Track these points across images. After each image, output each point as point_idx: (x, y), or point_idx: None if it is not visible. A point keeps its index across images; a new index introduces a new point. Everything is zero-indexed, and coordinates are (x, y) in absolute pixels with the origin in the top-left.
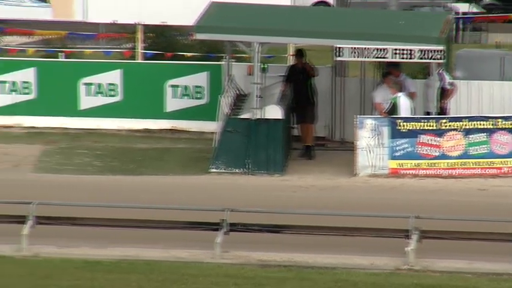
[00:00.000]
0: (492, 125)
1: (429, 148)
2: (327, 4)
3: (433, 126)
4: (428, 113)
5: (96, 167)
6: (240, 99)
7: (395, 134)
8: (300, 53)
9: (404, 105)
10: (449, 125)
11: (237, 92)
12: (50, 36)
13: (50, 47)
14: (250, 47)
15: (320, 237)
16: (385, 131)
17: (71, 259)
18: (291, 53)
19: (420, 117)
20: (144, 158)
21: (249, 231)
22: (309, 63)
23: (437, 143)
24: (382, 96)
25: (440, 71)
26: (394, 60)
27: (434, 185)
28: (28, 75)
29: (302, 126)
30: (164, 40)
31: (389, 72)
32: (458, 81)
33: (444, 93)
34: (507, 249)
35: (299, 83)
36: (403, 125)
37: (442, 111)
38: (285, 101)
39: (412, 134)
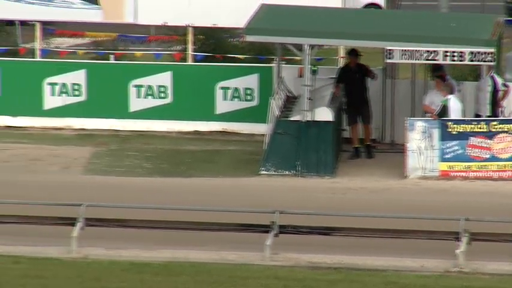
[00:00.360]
0: None
1: (479, 150)
2: (378, 6)
3: (483, 128)
4: (478, 116)
5: (146, 169)
6: (290, 102)
7: (446, 136)
8: (354, 52)
9: (455, 107)
10: (500, 127)
11: (287, 94)
12: (100, 39)
13: (100, 49)
14: (300, 49)
15: (370, 239)
16: (436, 133)
17: (119, 261)
18: (342, 55)
19: (470, 120)
20: (194, 160)
21: (298, 233)
22: (367, 65)
23: (488, 145)
24: (432, 98)
25: (492, 74)
26: (444, 62)
27: (485, 187)
28: (78, 77)
29: (354, 127)
30: (214, 42)
31: (441, 75)
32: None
33: (497, 96)
34: None
35: (354, 83)
36: (454, 127)
37: (495, 114)
38: (335, 103)
39: (463, 136)
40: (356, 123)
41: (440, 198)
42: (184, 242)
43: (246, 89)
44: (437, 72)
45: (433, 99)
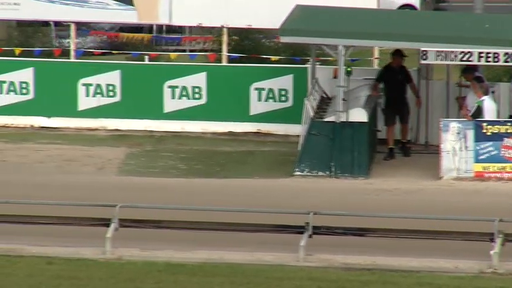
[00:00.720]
0: None
1: None
2: (413, 7)
3: None
4: None
5: (181, 169)
6: (325, 102)
7: (480, 137)
8: (399, 53)
9: (489, 108)
10: None
11: (322, 95)
12: (135, 39)
13: (135, 49)
14: (335, 50)
15: (404, 240)
16: (470, 134)
17: (154, 262)
18: (376, 56)
19: (505, 121)
20: (228, 161)
21: (332, 234)
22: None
23: None
24: (467, 99)
25: None
26: (479, 63)
27: None
28: (113, 78)
29: (391, 128)
30: (249, 43)
31: (477, 76)
32: None
33: None
34: None
35: (396, 83)
36: (488, 128)
37: None
38: (371, 103)
39: (497, 137)
40: (393, 124)
41: (475, 199)
42: (219, 243)
43: (281, 89)
44: (467, 73)
45: (471, 100)
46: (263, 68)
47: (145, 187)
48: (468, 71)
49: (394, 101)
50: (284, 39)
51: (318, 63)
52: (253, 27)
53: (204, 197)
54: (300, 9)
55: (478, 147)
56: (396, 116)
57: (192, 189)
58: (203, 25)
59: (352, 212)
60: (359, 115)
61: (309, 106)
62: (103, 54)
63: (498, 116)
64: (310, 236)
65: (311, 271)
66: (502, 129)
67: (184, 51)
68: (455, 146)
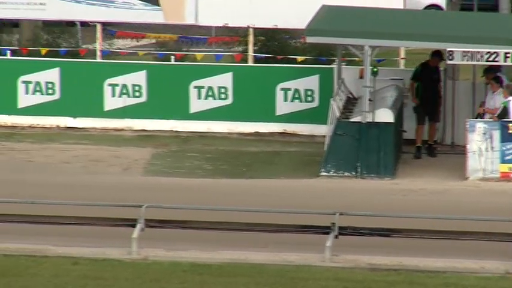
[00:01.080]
0: None
1: None
2: (439, 7)
3: None
4: None
5: (207, 170)
6: (351, 103)
7: (506, 137)
8: (439, 54)
9: None
10: None
11: (348, 95)
12: (161, 40)
13: (160, 50)
14: (361, 50)
15: (430, 240)
16: (496, 134)
17: (179, 262)
18: (402, 57)
19: None
20: (254, 161)
21: (358, 234)
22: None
23: None
24: (493, 100)
25: None
26: (505, 63)
27: None
28: (139, 78)
29: (421, 127)
30: (275, 43)
31: (496, 76)
32: None
33: None
34: None
35: (433, 83)
36: None
37: None
38: (396, 104)
39: None
40: (423, 123)
41: (500, 200)
42: (244, 243)
43: (307, 90)
44: (488, 73)
45: (490, 101)
46: (289, 68)
47: (171, 187)
48: (490, 70)
49: (427, 100)
50: (310, 40)
51: (344, 63)
52: (279, 27)
53: (229, 198)
54: (326, 10)
55: (504, 148)
56: (426, 116)
57: (217, 190)
58: (229, 25)
59: (378, 213)
60: (385, 115)
61: (335, 106)
62: (129, 54)
63: None
64: (336, 237)
65: (337, 271)
66: None
67: (210, 51)
68: (481, 146)
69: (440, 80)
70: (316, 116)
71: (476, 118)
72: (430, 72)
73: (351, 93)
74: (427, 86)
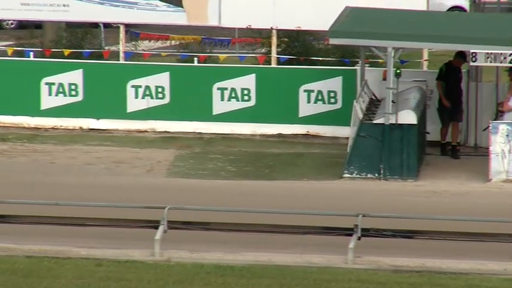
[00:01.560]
0: None
1: None
2: (462, 9)
3: None
4: None
5: (230, 171)
6: (374, 104)
7: None
8: (463, 55)
9: None
10: None
11: (371, 97)
12: (184, 41)
13: (184, 51)
14: (384, 52)
15: (453, 242)
16: None
17: (202, 264)
18: (425, 58)
19: None
20: (277, 162)
21: (381, 236)
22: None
23: None
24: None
25: None
26: None
27: None
28: (162, 79)
29: (445, 126)
30: (298, 45)
31: None
32: None
33: None
34: None
35: (456, 83)
36: None
37: None
38: (419, 106)
39: None
40: (448, 123)
41: None
42: (267, 245)
43: (330, 91)
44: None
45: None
46: (312, 70)
47: (194, 189)
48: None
49: (450, 100)
50: (333, 41)
51: (367, 65)
52: (302, 29)
53: (252, 199)
54: (349, 11)
55: None
56: (450, 116)
57: (240, 191)
58: (252, 27)
59: (401, 214)
60: (408, 117)
61: (358, 108)
62: (152, 55)
63: None
64: (359, 238)
65: (360, 273)
66: None
67: (233, 53)
68: (504, 148)
69: (461, 81)
70: (339, 117)
71: (496, 119)
72: (453, 72)
73: (374, 95)
74: (451, 86)
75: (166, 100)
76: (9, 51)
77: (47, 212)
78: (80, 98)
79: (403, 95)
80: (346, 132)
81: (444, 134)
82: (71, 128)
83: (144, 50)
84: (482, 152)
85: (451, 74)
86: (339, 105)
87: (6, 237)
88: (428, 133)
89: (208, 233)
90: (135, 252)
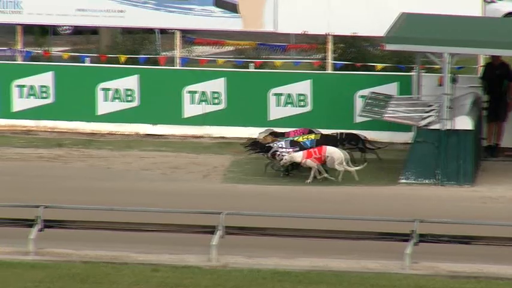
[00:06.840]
0: None
1: None
2: None
3: None
4: None
5: (285, 177)
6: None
7: None
8: None
9: None
10: None
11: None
12: (240, 47)
13: (239, 57)
14: (440, 57)
15: (510, 248)
16: None
17: (259, 269)
18: (481, 64)
19: None
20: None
21: (438, 242)
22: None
23: None
24: None
25: None
26: None
27: None
28: (218, 85)
29: (490, 125)
30: (354, 51)
31: None
32: None
33: None
34: None
35: (495, 79)
36: None
37: None
38: (476, 111)
39: None
40: (492, 122)
41: None
42: (323, 251)
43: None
44: None
45: None
46: (368, 75)
47: (250, 194)
48: None
49: (492, 98)
50: (389, 47)
51: (423, 71)
52: (358, 34)
53: (308, 205)
54: (404, 17)
55: None
56: (494, 114)
57: (296, 197)
58: (308, 33)
59: (458, 220)
60: (464, 123)
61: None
62: (208, 61)
63: None
64: (415, 244)
65: (417, 279)
66: None
67: (289, 58)
68: None
69: (510, 79)
70: (395, 123)
71: None
72: (492, 69)
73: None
74: (490, 83)
75: (222, 106)
76: (65, 56)
77: (102, 217)
78: (135, 103)
79: (460, 100)
80: (402, 138)
81: (489, 134)
82: (126, 133)
83: (200, 56)
84: None
85: (489, 72)
86: None
87: (62, 242)
88: (484, 138)
89: (265, 239)
90: (192, 257)
